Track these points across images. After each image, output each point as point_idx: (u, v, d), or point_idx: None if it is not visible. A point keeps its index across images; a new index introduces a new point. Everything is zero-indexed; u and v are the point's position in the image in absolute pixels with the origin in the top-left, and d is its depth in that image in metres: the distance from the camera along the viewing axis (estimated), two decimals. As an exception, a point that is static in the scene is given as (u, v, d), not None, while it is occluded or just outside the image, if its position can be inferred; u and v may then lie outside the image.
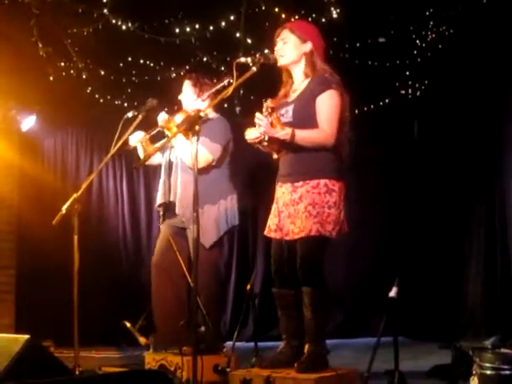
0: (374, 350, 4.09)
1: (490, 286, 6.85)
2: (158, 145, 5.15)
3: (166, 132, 5.21)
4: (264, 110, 4.21)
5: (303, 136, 4.22)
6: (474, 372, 4.50)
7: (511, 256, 6.50)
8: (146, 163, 5.57)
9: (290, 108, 4.35)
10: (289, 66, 4.46)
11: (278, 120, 4.26)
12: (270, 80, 4.66)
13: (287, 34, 4.42)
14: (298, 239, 4.23)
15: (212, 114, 5.36)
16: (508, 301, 6.46)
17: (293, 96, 4.43)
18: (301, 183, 4.26)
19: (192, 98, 5.37)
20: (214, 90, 4.92)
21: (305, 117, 4.29)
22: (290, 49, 4.39)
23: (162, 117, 5.24)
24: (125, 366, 5.43)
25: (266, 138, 4.21)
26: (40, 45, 6.72)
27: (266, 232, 4.50)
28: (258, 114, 4.18)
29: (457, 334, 6.77)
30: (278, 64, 4.42)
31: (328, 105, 4.27)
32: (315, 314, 4.20)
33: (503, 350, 4.59)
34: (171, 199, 5.34)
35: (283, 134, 4.19)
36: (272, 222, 4.46)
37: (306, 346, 4.23)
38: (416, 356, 6.04)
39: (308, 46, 4.39)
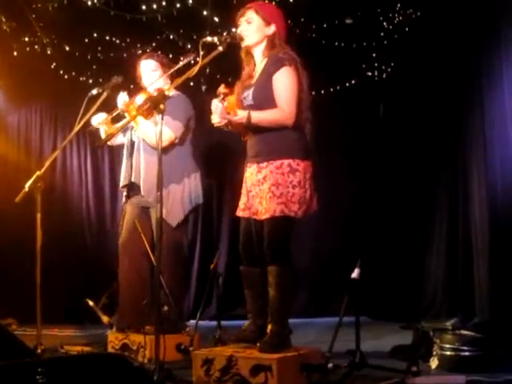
0: (336, 329, 4.12)
1: (452, 268, 6.91)
2: (119, 125, 5.11)
3: (126, 115, 5.15)
4: (217, 95, 4.20)
5: (260, 118, 4.19)
6: (434, 353, 4.58)
7: (473, 238, 6.55)
8: (109, 143, 5.54)
9: (251, 91, 4.32)
10: (251, 48, 4.43)
11: (235, 104, 4.25)
12: (237, 58, 4.63)
13: (252, 14, 4.36)
14: (264, 220, 4.24)
15: (172, 92, 5.25)
16: (469, 283, 6.53)
17: (254, 78, 4.41)
18: (265, 164, 4.24)
19: (158, 77, 5.30)
20: (176, 68, 4.78)
21: (264, 98, 4.25)
22: (254, 30, 4.33)
23: (122, 98, 5.17)
24: (87, 345, 5.41)
25: (225, 123, 4.23)
26: (4, 19, 6.63)
27: (237, 212, 4.47)
28: (214, 101, 4.17)
29: (418, 314, 6.84)
30: (242, 45, 4.39)
31: (283, 83, 4.22)
32: (279, 293, 4.19)
33: (463, 332, 4.67)
34: (133, 180, 5.31)
35: (239, 118, 4.18)
36: (242, 201, 4.45)
37: (269, 326, 4.22)
38: (377, 336, 6.09)
39: (271, 29, 4.34)
